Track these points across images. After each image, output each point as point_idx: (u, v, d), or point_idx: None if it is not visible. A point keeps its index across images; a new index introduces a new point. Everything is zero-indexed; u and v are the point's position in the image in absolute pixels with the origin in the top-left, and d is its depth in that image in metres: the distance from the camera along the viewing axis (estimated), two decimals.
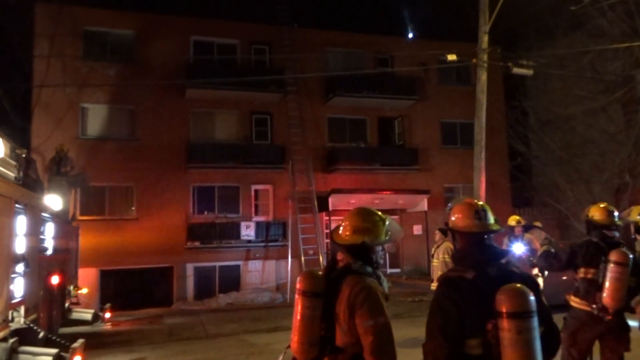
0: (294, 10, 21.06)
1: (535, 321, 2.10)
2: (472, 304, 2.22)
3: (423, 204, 19.82)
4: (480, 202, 2.54)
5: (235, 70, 19.11)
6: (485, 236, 2.44)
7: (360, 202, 18.33)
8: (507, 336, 2.08)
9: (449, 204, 2.66)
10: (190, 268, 18.33)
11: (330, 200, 18.54)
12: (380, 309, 2.43)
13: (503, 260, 2.40)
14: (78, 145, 16.81)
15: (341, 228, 2.73)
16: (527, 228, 10.29)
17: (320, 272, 2.70)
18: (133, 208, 18.24)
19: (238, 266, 18.89)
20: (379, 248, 2.68)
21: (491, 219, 2.48)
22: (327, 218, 18.95)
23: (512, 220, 9.71)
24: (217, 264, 18.59)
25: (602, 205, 4.58)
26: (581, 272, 4.51)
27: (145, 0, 22.18)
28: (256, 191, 19.76)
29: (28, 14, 17.12)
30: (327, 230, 18.39)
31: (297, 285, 2.61)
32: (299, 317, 2.55)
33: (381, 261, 2.72)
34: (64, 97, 17.22)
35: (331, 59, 21.06)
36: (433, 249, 8.93)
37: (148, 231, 17.66)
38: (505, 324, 2.08)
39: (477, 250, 2.40)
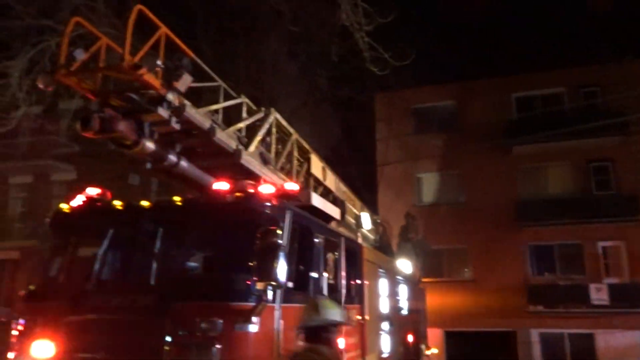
0: (624, 42, 18.67)
1: None
2: None
3: None
4: None
5: (564, 119, 18.00)
6: None
7: None
8: None
9: None
10: (534, 334, 17.25)
11: None
12: None
13: None
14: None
15: None
16: None
17: None
18: (467, 270, 18.64)
19: (591, 335, 16.72)
20: None
21: None
22: None
23: None
24: (565, 331, 16.96)
25: None
26: None
27: (463, 69, 23.37)
28: (604, 248, 17.49)
29: (369, 105, 20.32)
30: None
31: None
32: None
33: None
34: (401, 170, 19.51)
35: None
36: None
37: (485, 292, 17.61)
38: None
39: None
